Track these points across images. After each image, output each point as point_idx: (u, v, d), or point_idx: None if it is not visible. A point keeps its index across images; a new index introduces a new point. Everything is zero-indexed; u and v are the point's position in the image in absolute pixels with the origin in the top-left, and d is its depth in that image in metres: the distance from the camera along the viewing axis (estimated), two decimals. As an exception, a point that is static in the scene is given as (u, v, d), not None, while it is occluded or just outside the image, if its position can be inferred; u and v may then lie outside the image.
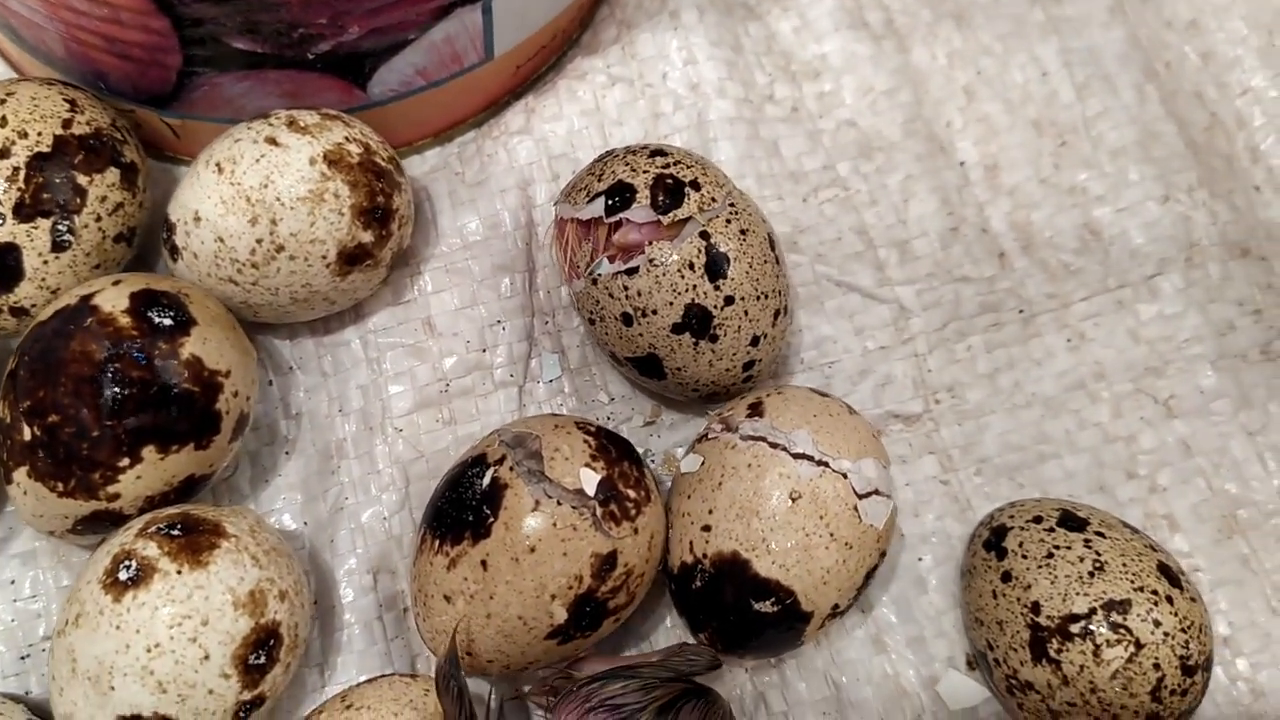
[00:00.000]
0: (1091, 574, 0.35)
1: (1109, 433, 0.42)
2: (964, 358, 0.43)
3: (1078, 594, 0.35)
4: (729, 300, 0.37)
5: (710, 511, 0.36)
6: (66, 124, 0.37)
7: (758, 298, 0.38)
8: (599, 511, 0.34)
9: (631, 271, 0.37)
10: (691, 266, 0.37)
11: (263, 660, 0.33)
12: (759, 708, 0.38)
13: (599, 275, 0.38)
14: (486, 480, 0.35)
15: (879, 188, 0.45)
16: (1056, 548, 0.36)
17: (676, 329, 0.37)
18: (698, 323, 0.37)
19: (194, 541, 0.33)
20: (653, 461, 0.41)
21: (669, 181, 0.37)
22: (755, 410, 0.37)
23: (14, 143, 0.36)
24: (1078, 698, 0.34)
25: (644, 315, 0.37)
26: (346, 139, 0.38)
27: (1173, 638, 0.34)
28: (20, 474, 0.34)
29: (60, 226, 0.37)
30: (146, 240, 0.41)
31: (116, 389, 0.33)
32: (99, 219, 0.37)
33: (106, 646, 0.32)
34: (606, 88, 0.45)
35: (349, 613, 0.39)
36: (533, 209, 0.43)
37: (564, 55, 0.46)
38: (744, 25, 0.47)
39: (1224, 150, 0.46)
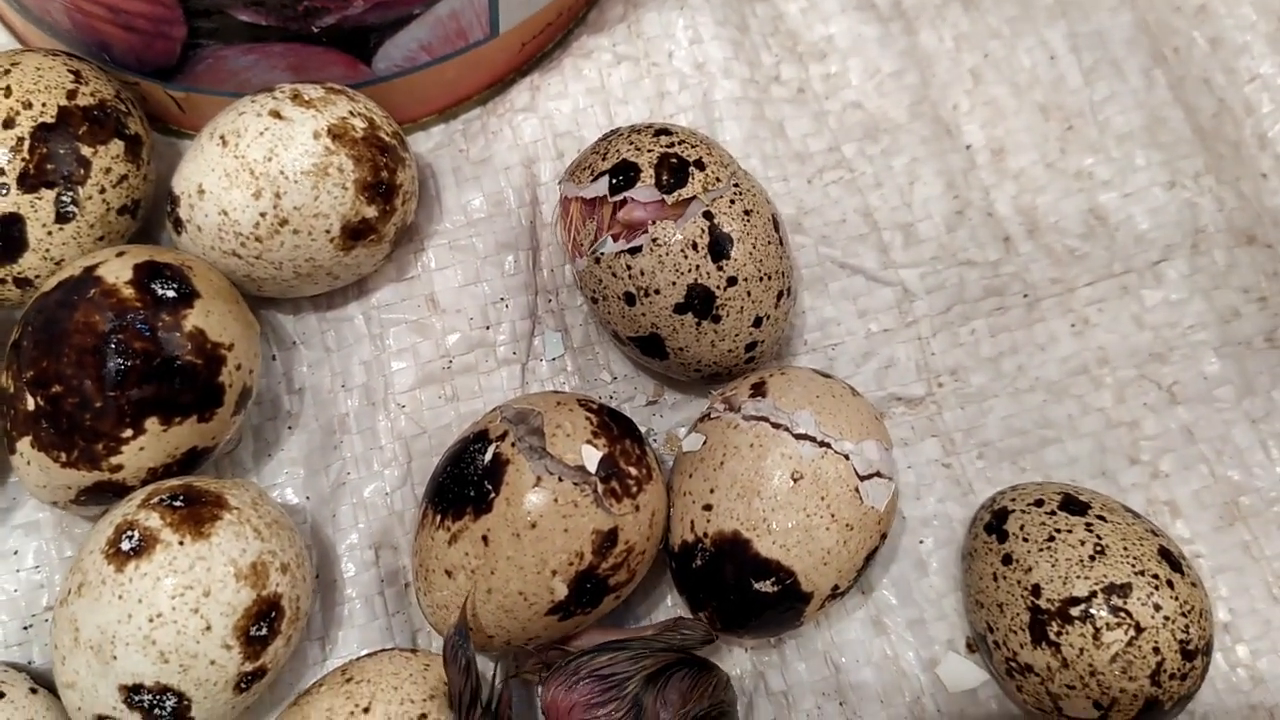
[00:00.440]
0: (1092, 557, 0.35)
1: (1112, 418, 0.42)
2: (967, 341, 0.43)
3: (1078, 577, 0.35)
4: (732, 281, 0.37)
5: (712, 491, 0.36)
6: (71, 95, 0.37)
7: (761, 279, 0.38)
8: (600, 488, 0.34)
9: (635, 251, 0.37)
10: (695, 246, 0.37)
11: (264, 632, 0.33)
12: (758, 687, 0.38)
13: (602, 254, 0.37)
14: (488, 456, 0.34)
15: (884, 170, 0.45)
16: (1058, 531, 0.36)
17: (679, 309, 0.37)
18: (700, 303, 0.37)
19: (196, 513, 0.33)
20: (654, 441, 0.41)
21: (673, 161, 0.37)
22: (758, 390, 0.37)
23: (18, 113, 0.36)
24: (1077, 680, 0.34)
25: (646, 295, 0.37)
26: (351, 113, 0.37)
27: (1173, 622, 0.34)
28: (24, 444, 0.34)
29: (64, 197, 0.37)
30: (151, 214, 0.41)
31: (120, 360, 0.33)
32: (103, 190, 0.37)
33: (109, 616, 0.32)
34: (612, 66, 0.44)
35: (350, 587, 0.39)
36: (537, 187, 0.43)
37: (570, 33, 0.46)
38: (750, 5, 0.46)
39: (1231, 137, 0.46)
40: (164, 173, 0.40)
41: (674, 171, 0.37)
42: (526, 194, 0.43)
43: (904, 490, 0.41)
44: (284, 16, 0.37)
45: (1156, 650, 0.34)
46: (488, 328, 0.41)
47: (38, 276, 0.37)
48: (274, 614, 0.33)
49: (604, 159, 0.38)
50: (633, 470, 0.35)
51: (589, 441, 0.34)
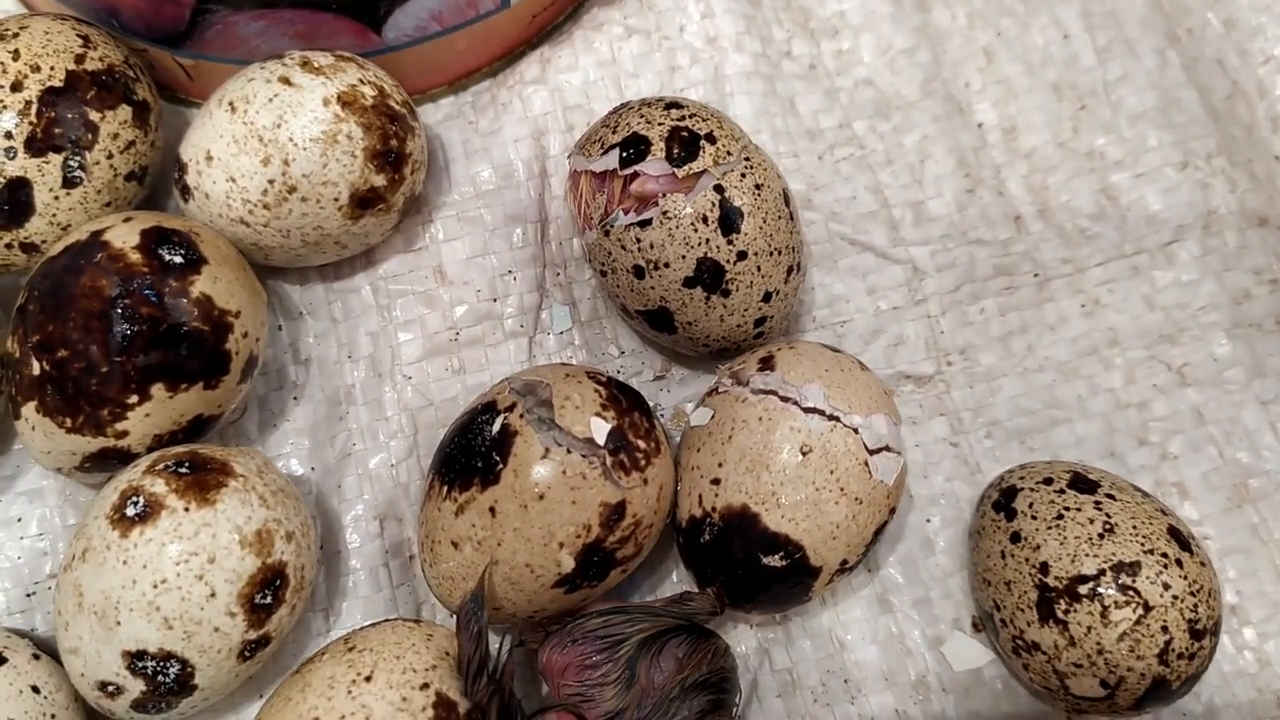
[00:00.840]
0: (1101, 535, 0.35)
1: (1121, 399, 0.42)
2: (977, 320, 0.43)
3: (1087, 555, 0.35)
4: (742, 255, 0.37)
5: (720, 465, 0.36)
6: (79, 59, 0.37)
7: (771, 253, 0.37)
8: (609, 461, 0.34)
9: (644, 224, 0.37)
10: (705, 220, 0.36)
11: (269, 600, 0.33)
12: (763, 664, 0.38)
13: (611, 227, 0.37)
14: (496, 427, 0.34)
15: (895, 147, 0.45)
16: (1066, 509, 0.36)
17: (688, 283, 0.37)
18: (710, 277, 0.37)
19: (202, 479, 0.33)
20: (662, 416, 0.41)
21: (684, 134, 0.37)
22: (766, 364, 0.37)
23: (26, 76, 0.36)
24: (1084, 659, 0.34)
25: (656, 268, 0.37)
26: (360, 81, 0.37)
27: (1182, 601, 0.34)
28: (29, 409, 0.34)
29: (71, 162, 0.36)
30: (159, 181, 0.40)
31: (126, 325, 0.33)
32: (110, 156, 0.37)
33: (113, 581, 0.32)
34: (623, 39, 0.44)
35: (355, 558, 0.39)
36: (546, 159, 0.43)
37: (581, 5, 0.46)
38: (763, -21, 0.46)
39: (1244, 119, 0.46)
40: (172, 141, 0.40)
41: (685, 145, 0.37)
42: (535, 166, 0.43)
43: (911, 469, 0.41)
44: (294, -18, 0.36)
45: (1165, 629, 0.34)
46: (495, 300, 0.41)
47: (44, 242, 0.37)
48: (278, 582, 0.33)
49: (614, 132, 0.38)
50: (641, 443, 0.35)
51: (598, 414, 0.34)
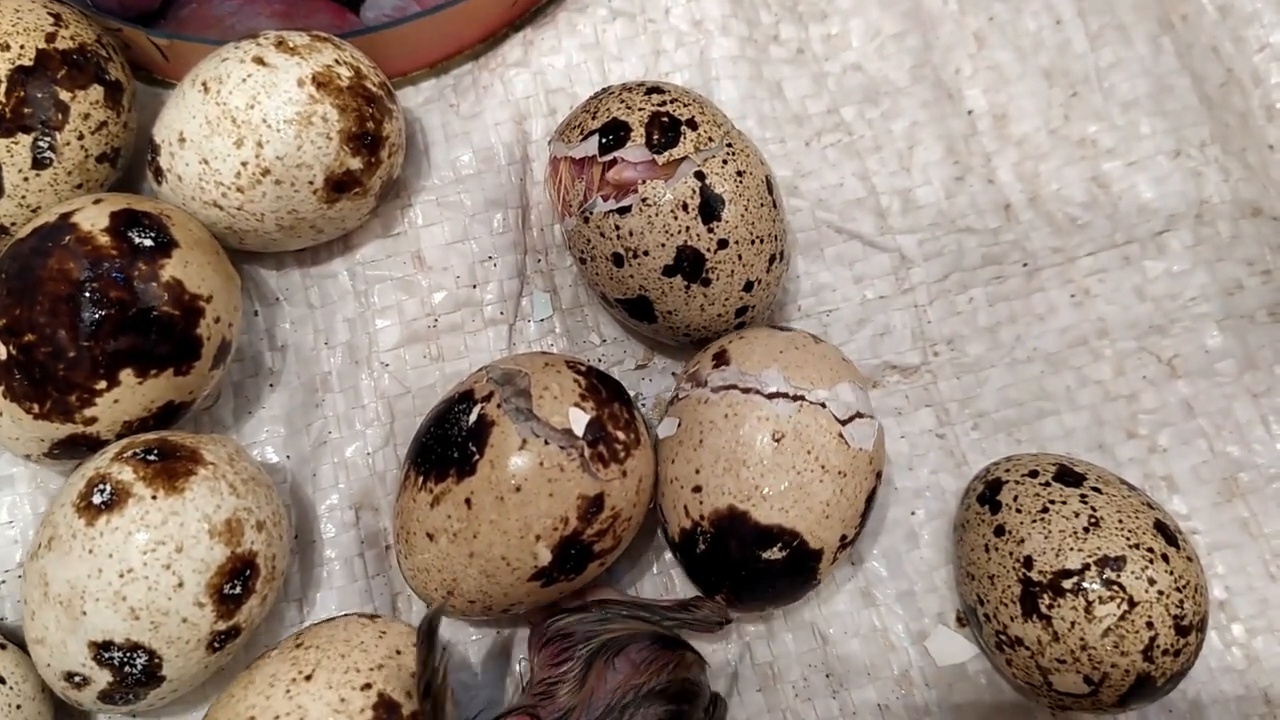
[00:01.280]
0: (1086, 530, 0.34)
1: (1110, 391, 0.41)
2: (965, 310, 0.42)
3: (1071, 549, 0.34)
4: (723, 243, 0.36)
5: (697, 471, 0.35)
6: (50, 38, 0.36)
7: (752, 242, 0.37)
8: (587, 452, 0.33)
9: (624, 211, 0.36)
10: (685, 207, 0.36)
11: (238, 590, 0.32)
12: (744, 657, 0.38)
13: (590, 214, 0.37)
14: (473, 417, 0.34)
15: (884, 134, 0.44)
16: (1051, 503, 0.35)
17: (668, 271, 0.36)
18: (690, 265, 0.36)
19: (170, 467, 0.32)
20: (644, 405, 0.40)
21: (665, 120, 0.36)
22: (720, 359, 0.36)
23: (-5, 55, 0.35)
24: (1068, 654, 0.34)
25: (635, 256, 0.36)
26: (336, 61, 0.36)
27: (1167, 596, 0.34)
28: (-5, 394, 0.33)
29: (41, 143, 0.36)
30: (132, 164, 0.40)
31: (94, 309, 0.32)
32: (81, 137, 0.36)
33: (79, 571, 0.31)
34: (607, 22, 0.43)
35: (330, 548, 0.38)
36: (528, 144, 0.42)
37: (565, -13, 0.45)
38: (751, -38, 0.45)
39: (1239, 107, 0.45)
40: (147, 123, 0.39)
41: (665, 131, 0.36)
42: (517, 151, 0.42)
43: (896, 461, 0.40)
44: (269, -39, 0.36)
45: (1150, 625, 0.33)
46: (475, 286, 0.41)
47: (13, 224, 0.36)
48: (248, 572, 0.33)
49: (594, 118, 0.37)
50: (621, 435, 0.34)
51: (577, 404, 0.34)
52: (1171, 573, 0.34)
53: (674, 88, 0.38)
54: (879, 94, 0.44)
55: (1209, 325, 0.42)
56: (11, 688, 0.33)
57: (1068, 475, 0.36)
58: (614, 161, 0.36)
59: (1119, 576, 0.34)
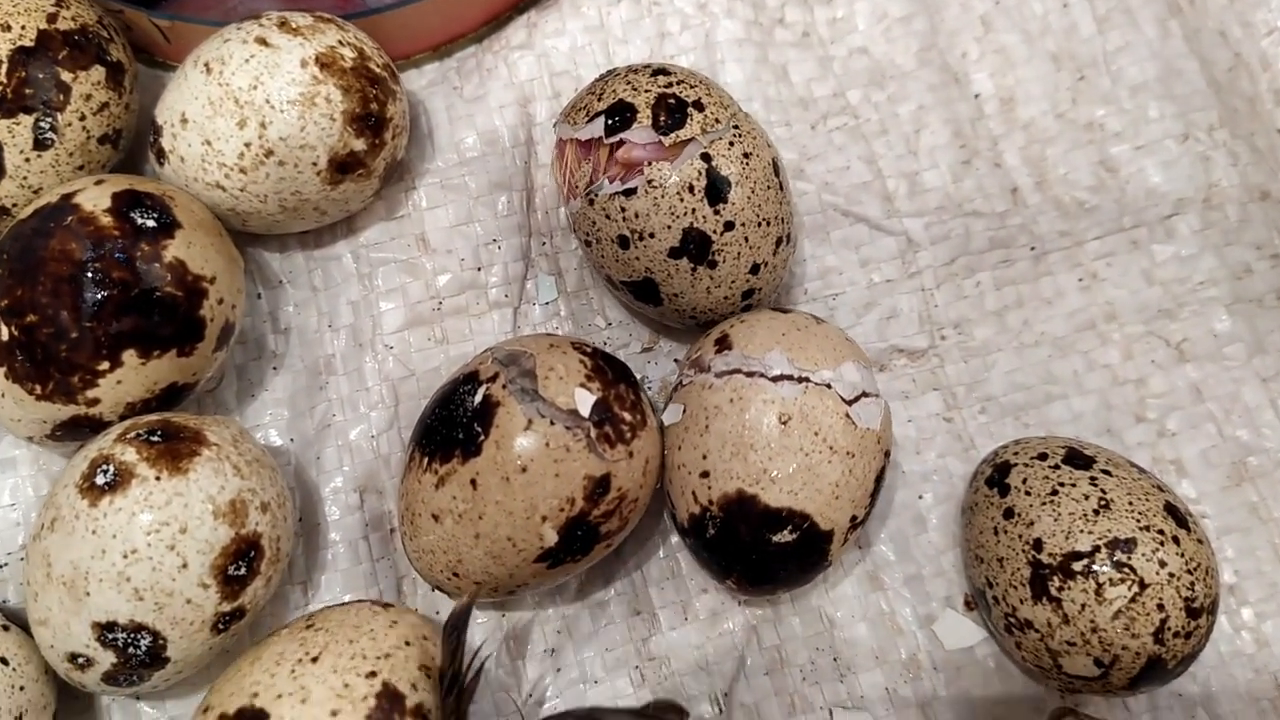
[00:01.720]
0: (1096, 512, 0.34)
1: (1118, 375, 0.41)
2: (972, 294, 0.42)
3: (1081, 531, 0.34)
4: (729, 226, 0.36)
5: (705, 457, 0.35)
6: (51, 18, 0.36)
7: (759, 224, 0.36)
8: (593, 433, 0.33)
9: (629, 193, 0.36)
10: (691, 189, 0.35)
11: (243, 572, 0.32)
12: (750, 641, 0.38)
13: (596, 196, 0.36)
14: (478, 398, 0.33)
15: (890, 117, 0.44)
16: (1061, 485, 0.35)
17: (674, 253, 0.36)
18: (696, 248, 0.36)
19: (174, 448, 0.32)
20: (650, 389, 0.40)
21: (671, 101, 0.36)
22: (723, 344, 0.36)
23: (-4, 35, 0.35)
24: (1078, 637, 0.33)
25: (641, 238, 0.36)
26: (340, 42, 0.36)
27: (1178, 579, 0.33)
28: (-3, 375, 0.33)
29: (43, 124, 0.36)
30: (134, 146, 0.40)
31: (96, 290, 0.32)
32: (83, 118, 0.36)
33: (83, 552, 0.31)
34: (612, 4, 0.43)
35: (334, 531, 0.38)
36: (532, 127, 0.42)
37: (570, -30, 0.45)
38: (756, -55, 0.45)
39: (1247, 91, 0.45)
40: (148, 105, 0.39)
41: (671, 112, 0.36)
42: (521, 133, 0.42)
43: (904, 445, 0.40)
44: (273, -60, 0.35)
45: (1160, 607, 0.33)
46: (479, 269, 0.40)
47: (15, 205, 0.36)
48: (253, 553, 0.32)
49: (600, 99, 0.37)
50: (627, 416, 0.34)
51: (582, 385, 0.33)
52: (1182, 555, 0.34)
53: (680, 69, 0.37)
54: (885, 77, 0.44)
55: (1217, 309, 0.42)
56: (15, 669, 0.33)
57: (1077, 458, 0.36)
58: (620, 143, 0.36)
59: (1130, 559, 0.33)
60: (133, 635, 0.31)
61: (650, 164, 0.35)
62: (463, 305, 0.40)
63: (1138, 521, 0.34)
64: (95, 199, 0.33)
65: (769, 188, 0.37)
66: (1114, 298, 0.42)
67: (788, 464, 0.34)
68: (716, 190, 0.36)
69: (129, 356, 0.33)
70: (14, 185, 0.36)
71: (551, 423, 0.33)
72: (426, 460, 0.34)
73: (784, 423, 0.34)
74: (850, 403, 0.34)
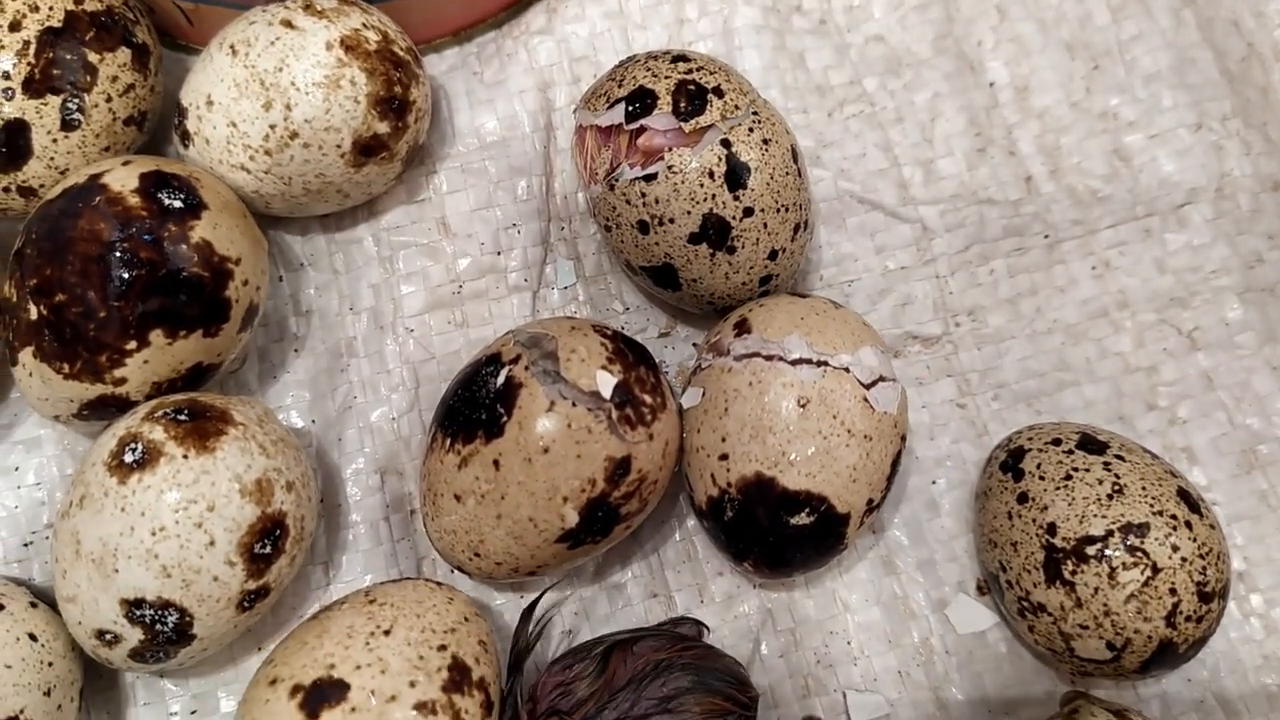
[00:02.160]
0: (1110, 496, 0.35)
1: (1130, 363, 0.42)
2: (986, 281, 0.42)
3: (1095, 516, 0.34)
4: (748, 211, 0.36)
5: (724, 439, 0.35)
6: (79, 0, 0.36)
7: (778, 210, 0.37)
8: (614, 415, 0.33)
9: (649, 178, 0.36)
10: (711, 175, 0.36)
11: (268, 550, 0.33)
12: (766, 624, 0.38)
13: (617, 181, 0.37)
14: (501, 379, 0.34)
15: (906, 105, 0.44)
16: (1075, 470, 0.35)
17: (693, 239, 0.36)
18: (715, 233, 0.36)
19: (201, 427, 0.32)
20: (667, 372, 0.41)
21: (691, 88, 0.36)
22: (742, 328, 0.36)
23: (25, 16, 0.35)
24: (1091, 620, 0.34)
25: (661, 224, 0.36)
26: (364, 25, 0.36)
27: (1190, 563, 0.34)
28: (26, 354, 0.33)
29: (70, 104, 0.36)
30: (158, 128, 0.40)
31: (124, 270, 0.32)
32: (109, 99, 0.36)
33: (111, 529, 0.31)
34: (631, -10, 0.43)
35: (355, 512, 0.38)
36: (552, 112, 0.42)
37: (589, -44, 0.45)
38: (775, -68, 0.45)
39: (1259, 81, 0.45)
40: (172, 88, 0.39)
41: (691, 99, 0.36)
42: (541, 119, 0.42)
43: (918, 430, 0.41)
44: (298, -76, 0.36)
45: (1173, 591, 0.33)
46: (499, 253, 0.41)
47: (42, 186, 0.36)
48: (278, 532, 0.33)
49: (620, 85, 0.37)
50: (647, 398, 0.34)
51: (604, 367, 0.34)
52: (1195, 540, 0.34)
53: (700, 56, 0.38)
54: (901, 65, 0.44)
55: (1229, 298, 0.42)
56: (43, 645, 0.33)
57: (1090, 443, 0.36)
58: (641, 129, 0.36)
59: (1142, 543, 0.34)
60: (160, 612, 0.32)
61: (670, 150, 0.36)
62: (482, 289, 0.40)
63: (1151, 506, 0.34)
64: (123, 179, 0.34)
65: (788, 174, 0.37)
66: (1126, 286, 0.42)
67: (806, 447, 0.34)
68: (736, 176, 0.36)
69: (156, 336, 0.33)
70: (41, 166, 0.36)
71: (573, 404, 0.33)
72: (449, 441, 0.34)
73: (803, 406, 0.34)
74: (868, 387, 0.35)
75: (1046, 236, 0.43)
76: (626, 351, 0.35)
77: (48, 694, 0.33)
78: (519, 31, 0.43)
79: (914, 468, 0.40)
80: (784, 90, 0.43)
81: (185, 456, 0.32)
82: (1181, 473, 0.37)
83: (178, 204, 0.34)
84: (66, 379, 0.33)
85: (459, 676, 0.31)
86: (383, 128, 0.37)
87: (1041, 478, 0.36)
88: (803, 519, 0.34)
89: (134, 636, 0.32)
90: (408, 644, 0.31)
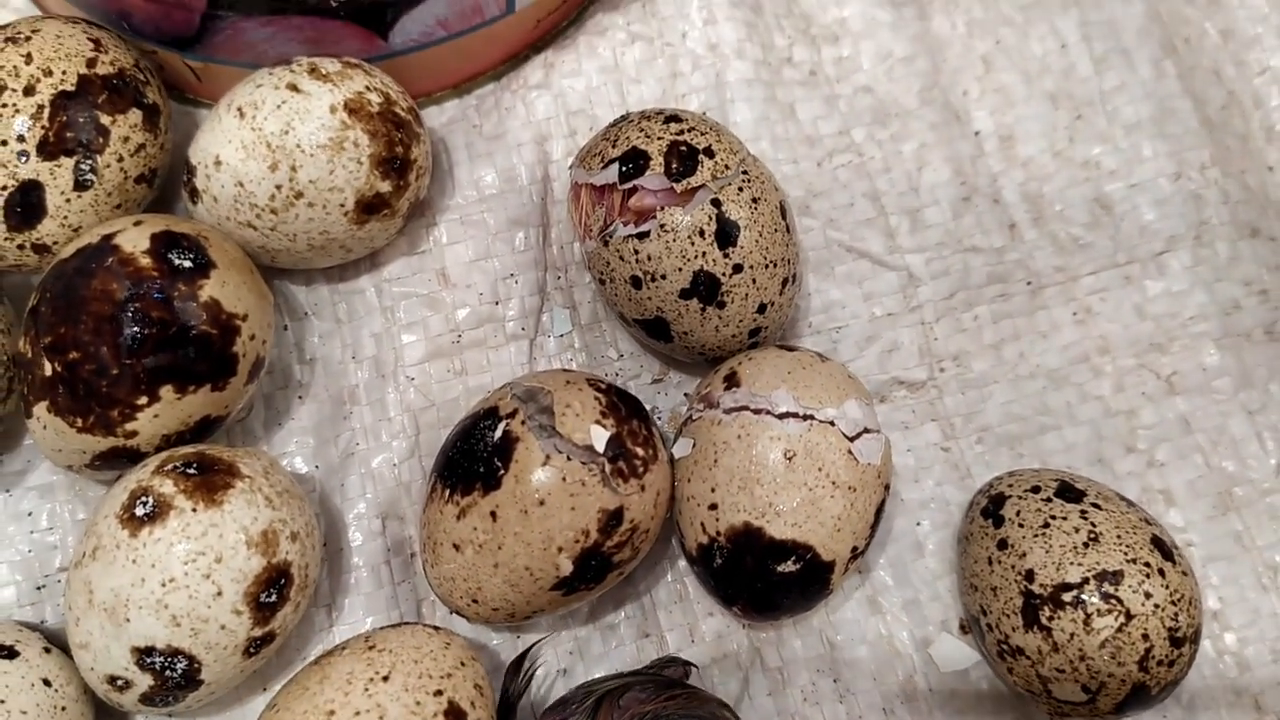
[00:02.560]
0: (1086, 544, 0.36)
1: (1110, 406, 0.43)
2: (970, 327, 0.44)
3: (1071, 563, 0.36)
4: (738, 268, 0.37)
5: (713, 490, 0.36)
6: (90, 63, 0.38)
7: (766, 266, 0.38)
8: (608, 468, 0.34)
9: (642, 236, 0.37)
10: (702, 233, 0.37)
11: (274, 599, 0.34)
12: (754, 662, 0.39)
13: (610, 238, 0.38)
14: (498, 433, 0.35)
15: (893, 154, 0.45)
16: (1053, 518, 0.37)
17: (684, 294, 0.38)
18: (706, 289, 0.37)
19: (209, 481, 0.34)
20: (660, 419, 0.42)
21: (683, 149, 0.37)
22: (731, 381, 0.37)
23: (39, 80, 0.37)
24: (1067, 664, 0.35)
25: (653, 279, 0.38)
26: (367, 88, 0.38)
27: (1163, 610, 0.35)
28: (40, 409, 0.35)
29: (83, 165, 0.37)
30: (167, 182, 0.41)
31: (136, 328, 0.34)
32: (121, 159, 0.38)
33: (123, 580, 0.33)
34: (626, 45, 0.45)
35: (357, 556, 0.39)
36: (549, 164, 0.44)
37: (585, 10, 0.46)
38: (765, -13, 0.47)
39: (1239, 129, 0.46)
40: (181, 141, 0.41)
41: (683, 159, 0.37)
42: (538, 171, 0.43)
43: (902, 473, 0.42)
44: (303, -10, 0.37)
45: (1145, 637, 0.35)
46: (497, 303, 0.42)
47: (56, 243, 0.37)
48: (283, 581, 0.34)
49: (614, 145, 0.38)
50: (639, 450, 0.35)
51: (598, 421, 0.35)
52: (1167, 587, 0.35)
53: (692, 115, 0.39)
54: (889, 115, 0.46)
55: (1207, 344, 0.43)
56: (57, 690, 0.34)
57: (1068, 491, 0.38)
58: (634, 189, 0.37)
59: (1117, 590, 0.35)
60: (170, 659, 0.33)
61: (663, 209, 0.37)
62: (481, 338, 0.42)
63: (1125, 554, 0.36)
64: (134, 240, 0.35)
65: (776, 230, 0.38)
66: (1107, 331, 0.44)
67: (792, 498, 0.35)
68: (726, 234, 0.37)
69: (166, 392, 0.34)
70: (55, 224, 0.37)
71: (568, 458, 0.34)
72: (448, 492, 0.35)
73: (789, 459, 0.35)
74: (852, 439, 0.36)
75: (1029, 283, 0.44)
76: (619, 405, 0.36)
77: (61, 737, 0.34)
78: (517, 85, 0.44)
79: (899, 510, 0.41)
80: (774, 142, 0.44)
81: (194, 510, 0.33)
82: (1156, 519, 0.38)
83: (187, 264, 0.35)
84: (80, 432, 0.35)
85: None
86: (385, 186, 0.38)
87: (1021, 525, 0.37)
88: (789, 567, 0.36)
89: (144, 682, 0.33)
90: (405, 690, 0.33)
